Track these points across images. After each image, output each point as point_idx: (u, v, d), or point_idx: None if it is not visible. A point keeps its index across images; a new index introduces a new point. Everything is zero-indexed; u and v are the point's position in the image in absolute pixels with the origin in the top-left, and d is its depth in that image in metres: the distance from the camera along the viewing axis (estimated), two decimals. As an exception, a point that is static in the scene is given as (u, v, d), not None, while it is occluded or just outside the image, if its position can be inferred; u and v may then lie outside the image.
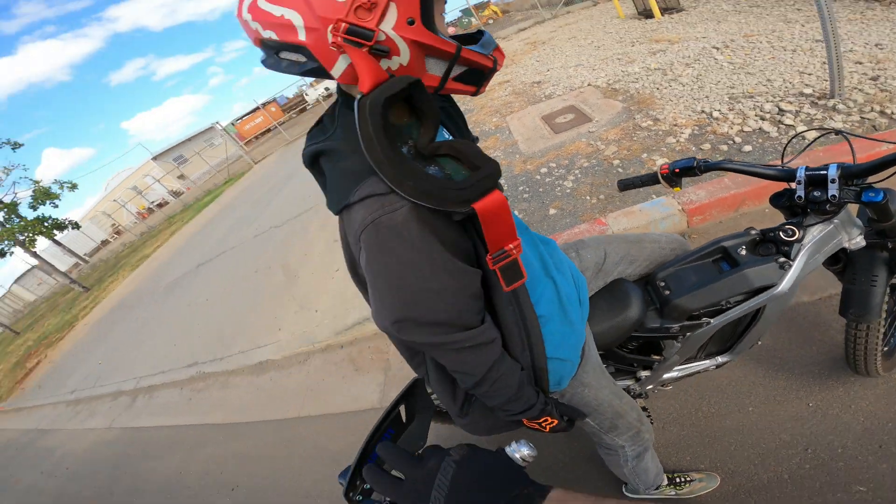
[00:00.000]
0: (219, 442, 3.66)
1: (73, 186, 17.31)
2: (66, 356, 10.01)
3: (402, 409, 0.71)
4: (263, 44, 0.66)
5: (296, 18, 0.58)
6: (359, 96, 0.61)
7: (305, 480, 2.74)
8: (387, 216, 0.64)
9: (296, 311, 4.41)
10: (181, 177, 32.32)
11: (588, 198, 3.48)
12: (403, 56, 0.63)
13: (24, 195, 16.90)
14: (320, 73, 0.66)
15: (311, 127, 0.85)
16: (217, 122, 20.35)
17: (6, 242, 15.92)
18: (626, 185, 1.40)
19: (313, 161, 0.77)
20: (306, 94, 31.85)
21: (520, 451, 0.54)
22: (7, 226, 15.85)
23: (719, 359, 1.45)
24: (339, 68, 0.64)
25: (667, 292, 1.24)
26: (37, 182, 16.81)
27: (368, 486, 0.63)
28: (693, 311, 1.22)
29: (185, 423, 4.23)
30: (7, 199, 16.48)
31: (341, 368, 3.47)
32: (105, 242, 34.22)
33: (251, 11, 0.62)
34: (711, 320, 1.24)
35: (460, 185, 0.64)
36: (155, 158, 37.43)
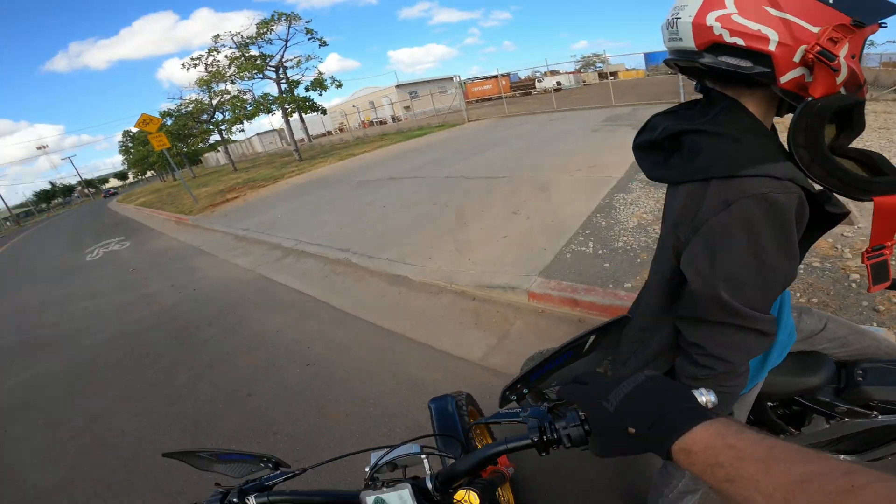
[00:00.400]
0: (324, 321, 3.94)
1: (339, 85, 21.17)
2: (258, 201, 12.20)
3: (591, 339, 0.69)
4: (713, 47, 0.78)
5: (772, 35, 0.72)
6: (809, 99, 0.75)
7: (373, 389, 2.78)
8: (775, 194, 0.73)
9: (451, 251, 4.45)
10: (408, 108, 36.14)
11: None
12: (842, 78, 0.74)
13: (306, 79, 21.15)
14: (761, 77, 0.77)
15: (656, 113, 0.99)
16: (457, 76, 22.13)
17: (275, 105, 20.06)
18: None
19: (673, 137, 0.88)
20: (539, 81, 32.38)
21: (705, 395, 0.54)
22: (284, 95, 19.96)
23: (842, 457, 1.41)
24: (788, 77, 0.75)
25: (860, 378, 1.23)
26: (321, 73, 20.73)
27: (526, 392, 0.71)
28: (873, 401, 1.22)
29: (309, 293, 4.67)
30: (295, 78, 20.82)
31: (463, 316, 3.41)
32: (329, 133, 40.63)
33: (721, 20, 0.75)
34: (881, 416, 1.24)
35: (867, 179, 0.78)
36: (398, 86, 42.75)
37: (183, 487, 2.37)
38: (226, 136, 27.50)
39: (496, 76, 22.57)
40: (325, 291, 4.58)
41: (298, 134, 26.47)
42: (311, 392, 2.97)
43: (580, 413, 0.58)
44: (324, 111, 21.57)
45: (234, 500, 0.78)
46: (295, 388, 3.07)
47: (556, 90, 24.28)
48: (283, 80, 20.45)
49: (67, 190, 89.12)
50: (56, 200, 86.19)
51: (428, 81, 43.45)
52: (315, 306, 4.33)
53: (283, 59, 20.29)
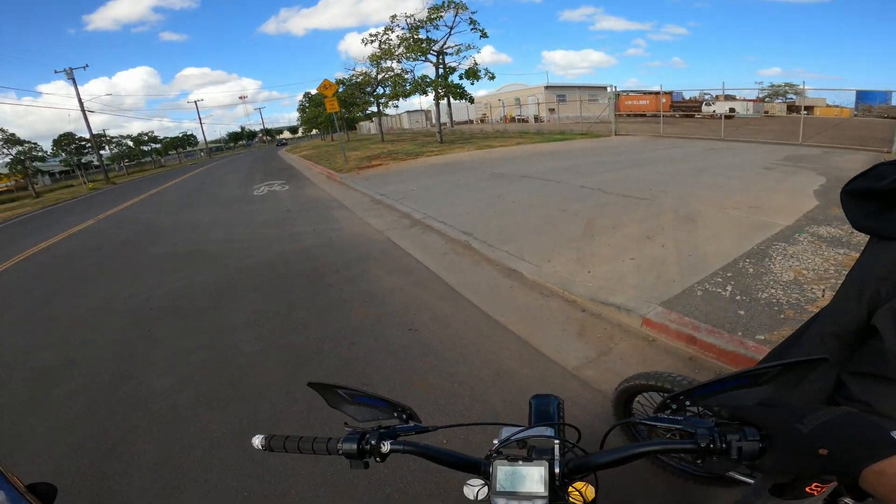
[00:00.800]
0: (434, 293, 4.14)
1: (492, 77, 21.65)
2: (397, 172, 13.12)
3: (774, 371, 0.67)
4: None
5: None
6: None
7: (463, 367, 2.90)
8: None
9: (571, 259, 4.34)
10: (552, 110, 35.46)
11: None
12: None
13: (462, 67, 22.01)
14: None
15: (885, 161, 0.91)
16: (612, 86, 21.00)
17: (430, 88, 21.29)
18: None
19: None
20: (707, 104, 29.14)
21: None
22: (439, 80, 21.07)
23: None
24: None
25: None
26: (476, 64, 21.42)
27: (688, 404, 0.73)
28: None
29: (427, 264, 4.92)
30: (452, 65, 21.82)
31: (568, 324, 3.34)
32: (471, 121, 41.77)
33: None
34: None
35: None
36: (547, 87, 42.16)
37: (269, 416, 2.69)
38: (381, 109, 29.98)
39: (657, 92, 20.94)
40: (442, 267, 4.81)
41: (443, 118, 27.70)
42: (406, 355, 3.18)
43: (759, 431, 0.62)
44: (471, 100, 22.27)
45: (373, 441, 0.82)
46: (393, 347, 3.31)
47: (728, 117, 21.66)
48: (441, 66, 21.51)
49: (251, 135, 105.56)
50: (241, 142, 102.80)
51: (579, 87, 41.99)
52: (430, 278, 4.58)
53: (445, 46, 21.31)
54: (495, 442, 0.82)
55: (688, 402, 0.74)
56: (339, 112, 16.93)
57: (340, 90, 26.61)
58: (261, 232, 7.87)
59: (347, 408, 0.92)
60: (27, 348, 4.13)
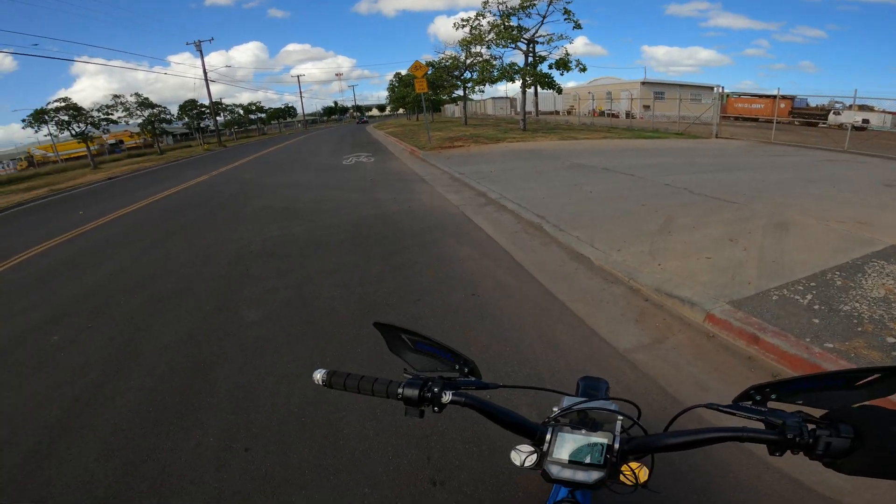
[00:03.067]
0: (500, 266, 4.33)
1: (584, 69, 20.83)
2: (477, 154, 13.29)
3: (872, 377, 0.67)
4: None
5: None
6: None
7: (516, 334, 3.04)
8: None
9: (643, 251, 4.29)
10: (647, 107, 33.39)
11: None
12: None
13: (552, 56, 21.35)
14: None
15: None
16: (719, 86, 19.33)
17: (517, 76, 21.03)
18: None
19: None
20: (836, 113, 25.73)
21: None
22: (528, 68, 20.71)
23: None
24: None
25: None
26: (567, 54, 20.73)
27: (774, 397, 0.72)
28: None
29: (497, 240, 5.12)
30: (542, 54, 21.31)
31: (628, 310, 3.38)
32: (556, 112, 40.58)
33: None
34: None
35: None
36: (643, 83, 39.61)
37: (336, 354, 3.04)
38: (467, 94, 30.15)
39: (775, 96, 18.86)
40: (511, 244, 4.99)
41: (528, 106, 27.24)
42: (466, 317, 3.42)
43: (853, 429, 0.61)
44: (559, 90, 21.64)
45: (435, 389, 0.80)
46: (454, 308, 3.57)
47: (858, 128, 19.06)
48: (531, 54, 21.07)
49: (343, 110, 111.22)
50: (334, 116, 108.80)
51: (680, 85, 38.91)
52: (498, 252, 4.79)
53: (536, 35, 20.80)
54: (555, 409, 0.81)
55: (773, 396, 0.72)
56: (427, 93, 17.38)
57: (429, 72, 27.15)
58: (347, 196, 8.53)
59: (407, 354, 0.91)
60: (147, 278, 4.94)
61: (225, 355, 3.13)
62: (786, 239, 4.40)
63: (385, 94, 70.06)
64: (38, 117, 25.90)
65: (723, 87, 19.95)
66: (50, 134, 28.16)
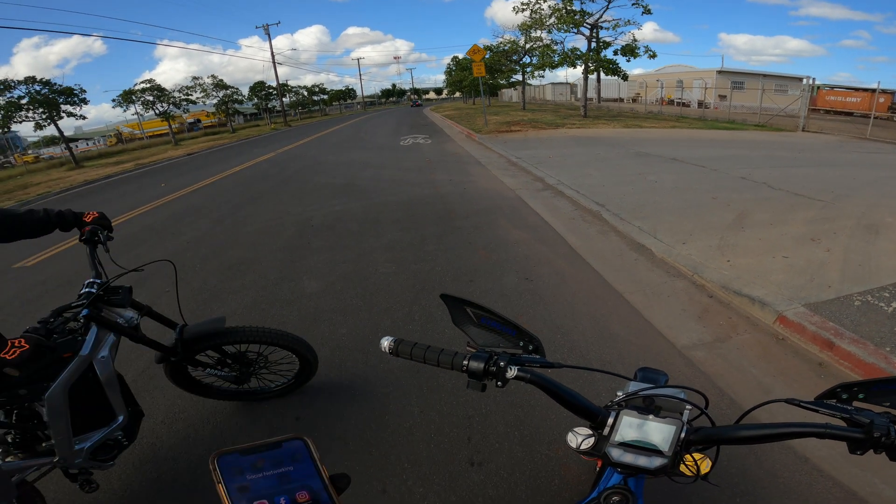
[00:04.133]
0: (556, 252, 4.25)
1: (653, 55, 19.65)
2: (536, 139, 12.98)
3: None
4: None
5: None
6: None
7: (568, 322, 3.01)
8: None
9: (711, 246, 4.05)
10: (723, 97, 31.01)
11: None
12: None
13: (618, 42, 20.23)
14: None
15: None
16: (809, 78, 17.53)
17: (579, 61, 20.25)
18: None
19: None
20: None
21: None
22: (591, 54, 19.79)
23: None
24: None
25: None
26: (634, 40, 19.58)
27: (861, 396, 0.71)
28: None
29: (554, 225, 4.99)
30: (606, 39, 20.27)
31: (690, 305, 3.23)
32: (620, 100, 38.68)
33: None
34: None
35: None
36: (719, 72, 36.76)
37: (388, 328, 3.08)
38: (526, 79, 29.39)
39: (874, 90, 16.86)
40: (568, 230, 4.88)
41: (590, 93, 26.13)
42: (518, 300, 3.41)
43: None
44: (625, 77, 20.60)
45: (501, 363, 0.79)
46: (507, 290, 3.57)
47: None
48: (594, 39, 20.11)
49: (401, 93, 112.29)
50: (392, 99, 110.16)
51: (763, 75, 35.71)
52: (554, 238, 4.71)
53: (601, 20, 19.75)
54: (619, 394, 0.80)
55: (861, 395, 0.71)
56: (484, 77, 17.14)
57: (487, 56, 26.70)
58: (404, 176, 8.68)
59: (470, 329, 0.91)
60: (219, 247, 5.29)
61: (285, 324, 3.30)
62: (875, 242, 3.99)
63: (442, 77, 70.00)
64: (126, 97, 28.15)
65: (814, 79, 18.05)
66: (136, 113, 30.51)
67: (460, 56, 48.04)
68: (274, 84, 44.49)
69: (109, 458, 1.82)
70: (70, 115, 21.04)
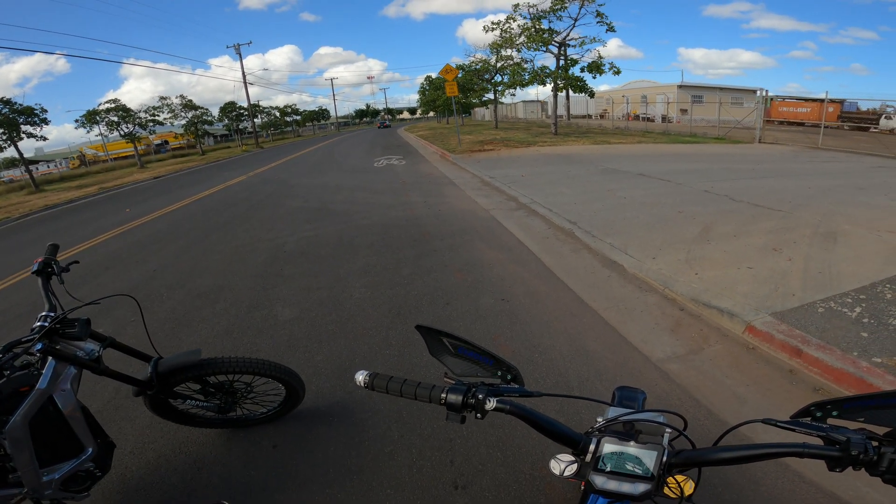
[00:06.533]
0: (530, 271, 4.27)
1: (617, 72, 20.42)
2: (508, 158, 13.24)
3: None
4: None
5: None
6: None
7: (546, 341, 3.00)
8: None
9: (679, 260, 4.17)
10: (684, 111, 32.42)
11: None
12: None
13: (585, 59, 20.90)
14: None
15: None
16: (762, 89, 18.56)
17: (548, 79, 20.84)
18: None
19: None
20: (888, 117, 24.29)
21: None
22: (560, 71, 20.43)
23: None
24: None
25: None
26: (600, 57, 20.33)
27: (835, 414, 0.72)
28: None
29: (527, 244, 5.06)
30: (574, 57, 20.99)
31: (662, 319, 3.29)
32: (589, 116, 39.93)
33: None
34: None
35: None
36: (680, 86, 38.50)
37: (366, 354, 3.09)
38: (497, 97, 30.05)
39: (822, 100, 17.99)
40: (541, 249, 4.94)
41: (560, 110, 26.93)
42: (495, 321, 3.41)
43: None
44: (592, 94, 21.27)
45: (479, 396, 0.79)
46: (484, 312, 3.57)
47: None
48: (562, 57, 20.79)
49: (375, 113, 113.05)
50: (365, 119, 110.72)
51: (720, 88, 37.68)
52: (528, 257, 4.75)
53: (567, 38, 20.49)
54: (598, 419, 0.80)
55: (835, 413, 0.72)
56: (457, 97, 17.45)
57: (460, 75, 27.22)
58: (378, 198, 8.65)
59: (447, 359, 0.90)
60: (187, 275, 5.13)
61: (259, 352, 3.21)
62: (834, 249, 4.18)
63: (416, 97, 70.81)
64: (90, 118, 27.33)
65: (766, 91, 19.16)
66: (100, 134, 29.66)
67: (433, 75, 48.73)
68: (245, 104, 44.03)
69: (83, 489, 1.81)
70: (30, 135, 20.30)
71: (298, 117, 67.32)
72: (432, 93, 45.35)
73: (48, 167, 38.90)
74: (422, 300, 3.87)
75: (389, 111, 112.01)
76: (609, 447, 0.75)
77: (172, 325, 3.80)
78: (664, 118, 32.95)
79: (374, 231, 6.19)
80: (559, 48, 20.67)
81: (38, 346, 1.61)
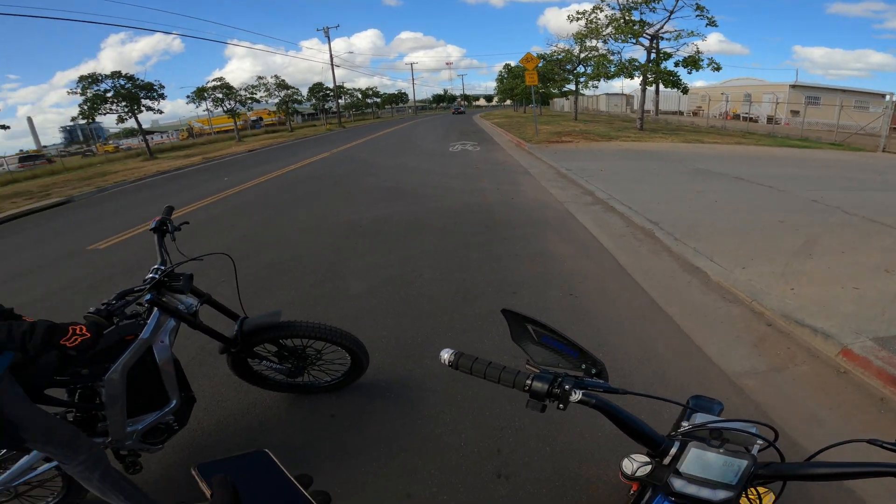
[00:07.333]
0: (603, 268, 4.12)
1: (717, 68, 18.65)
2: (587, 151, 12.72)
3: None
4: None
5: None
6: None
7: (612, 340, 2.91)
8: None
9: (774, 272, 3.80)
10: (795, 112, 29.06)
11: None
12: None
13: (680, 53, 19.32)
14: None
15: None
16: (893, 94, 16.06)
17: (637, 72, 19.57)
18: None
19: None
20: None
21: None
22: (650, 65, 19.06)
23: None
24: None
25: None
26: (698, 52, 18.66)
27: None
28: None
29: (602, 242, 4.86)
30: (667, 50, 19.43)
31: (745, 333, 3.05)
32: (680, 113, 37.11)
33: None
34: None
35: None
36: (793, 86, 34.47)
37: (429, 335, 3.14)
38: (579, 88, 28.80)
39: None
40: (617, 247, 4.75)
41: (647, 104, 25.24)
42: (561, 316, 3.34)
43: None
44: (685, 90, 19.74)
45: (566, 386, 0.77)
46: (550, 305, 3.51)
47: None
48: (654, 50, 19.37)
49: (452, 98, 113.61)
50: (442, 104, 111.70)
51: (842, 90, 33.08)
52: (602, 254, 4.59)
53: (661, 30, 18.97)
54: (684, 424, 0.80)
55: None
56: (537, 86, 16.98)
57: (540, 65, 26.38)
58: (452, 182, 8.75)
59: (529, 346, 0.89)
60: (270, 242, 5.55)
61: (328, 322, 3.41)
62: (970, 279, 3.60)
63: (493, 84, 69.90)
64: (199, 94, 30.21)
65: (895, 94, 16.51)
66: (207, 109, 32.69)
67: (512, 64, 47.89)
68: (331, 85, 46.22)
69: (159, 441, 1.88)
70: (149, 109, 22.81)
71: (378, 100, 69.39)
72: (510, 81, 44.55)
73: (161, 137, 43.75)
74: (489, 287, 3.88)
75: (466, 97, 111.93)
76: (695, 452, 0.74)
77: (254, 288, 4.12)
78: (770, 119, 29.74)
79: (446, 214, 6.28)
80: (651, 41, 19.29)
81: (148, 296, 1.70)
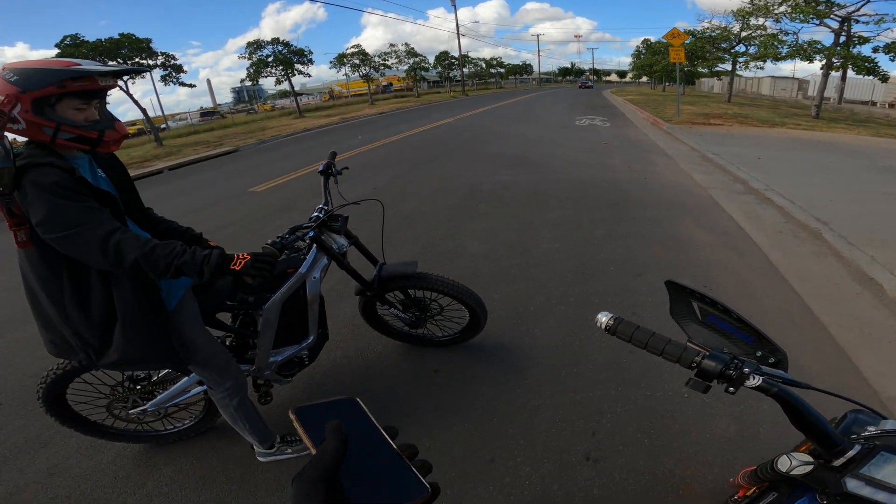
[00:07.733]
0: (748, 264, 3.66)
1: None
2: (742, 136, 11.09)
3: None
4: None
5: None
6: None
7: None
8: None
9: None
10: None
11: None
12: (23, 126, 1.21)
13: (880, 38, 15.72)
14: None
15: None
16: None
17: (819, 56, 16.38)
18: None
19: None
20: None
21: None
22: (835, 49, 15.79)
23: None
24: None
25: None
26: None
27: None
28: None
29: (751, 235, 4.30)
30: (863, 34, 15.93)
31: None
32: (872, 103, 30.41)
33: None
34: None
35: None
36: None
37: (542, 304, 3.09)
38: (736, 69, 25.00)
39: None
40: (769, 243, 4.18)
41: (828, 91, 21.00)
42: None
43: None
44: (885, 78, 16.14)
45: (746, 369, 0.72)
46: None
47: None
48: (843, 33, 15.87)
49: (579, 72, 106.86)
50: (569, 77, 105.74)
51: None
52: (749, 248, 4.09)
53: (856, 12, 15.31)
54: (871, 429, 0.79)
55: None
56: (682, 64, 15.13)
57: (688, 41, 23.33)
58: (578, 156, 8.39)
59: (690, 325, 0.83)
60: (398, 196, 5.89)
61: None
62: None
63: (627, 59, 63.88)
64: (340, 60, 32.69)
65: None
66: (346, 74, 35.32)
67: (652, 39, 43.25)
68: (456, 55, 46.59)
69: (291, 374, 1.98)
70: (300, 72, 25.38)
71: (502, 70, 68.09)
72: (649, 57, 40.20)
73: (307, 99, 48.50)
74: (610, 265, 3.72)
75: (595, 72, 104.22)
76: (886, 456, 0.73)
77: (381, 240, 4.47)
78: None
79: (571, 187, 6.07)
80: (841, 23, 15.86)
81: (311, 233, 1.79)
